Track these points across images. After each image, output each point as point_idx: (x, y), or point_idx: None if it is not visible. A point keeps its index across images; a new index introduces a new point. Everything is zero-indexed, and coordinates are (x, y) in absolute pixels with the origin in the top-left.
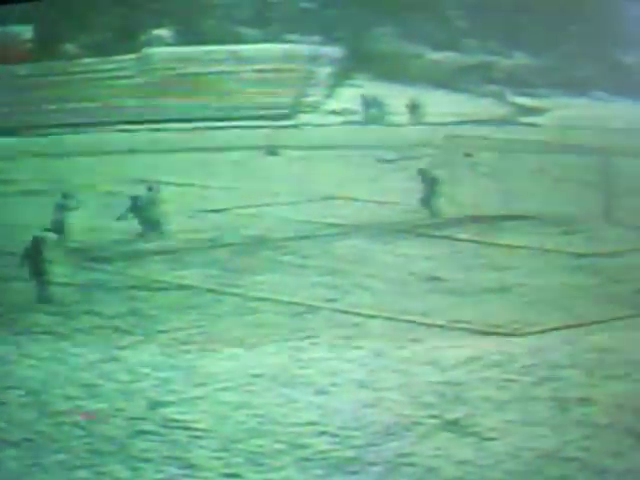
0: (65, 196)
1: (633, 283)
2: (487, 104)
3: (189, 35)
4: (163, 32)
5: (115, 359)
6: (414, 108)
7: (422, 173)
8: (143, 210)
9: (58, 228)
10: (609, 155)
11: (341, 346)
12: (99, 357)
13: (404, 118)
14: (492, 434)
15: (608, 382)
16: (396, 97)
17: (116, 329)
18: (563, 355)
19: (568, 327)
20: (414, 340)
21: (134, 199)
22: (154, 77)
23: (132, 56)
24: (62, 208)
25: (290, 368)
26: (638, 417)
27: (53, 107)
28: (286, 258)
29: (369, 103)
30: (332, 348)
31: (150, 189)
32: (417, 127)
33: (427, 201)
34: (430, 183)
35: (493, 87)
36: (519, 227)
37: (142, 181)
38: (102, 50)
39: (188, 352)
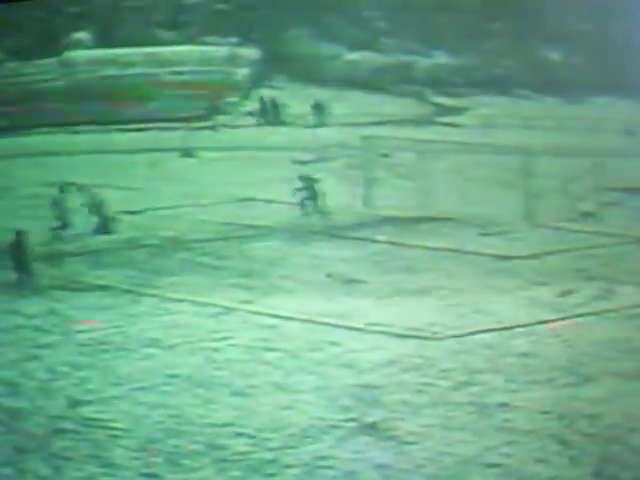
0: (62, 190)
1: (554, 286)
2: (406, 104)
3: (108, 38)
4: (83, 35)
5: (35, 358)
6: (318, 109)
7: (303, 179)
8: (62, 211)
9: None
10: (529, 155)
11: (257, 348)
12: (20, 356)
13: (310, 119)
14: (411, 438)
15: (531, 387)
16: (308, 98)
17: (36, 328)
18: (483, 359)
19: (488, 331)
20: (331, 343)
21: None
22: (75, 80)
23: (53, 60)
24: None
25: (206, 369)
26: (563, 423)
27: None
28: (202, 259)
29: (267, 105)
30: (248, 350)
31: (62, 191)
32: (334, 128)
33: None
34: (309, 186)
35: (413, 87)
36: (437, 229)
37: (61, 183)
38: (25, 54)
39: (106, 352)
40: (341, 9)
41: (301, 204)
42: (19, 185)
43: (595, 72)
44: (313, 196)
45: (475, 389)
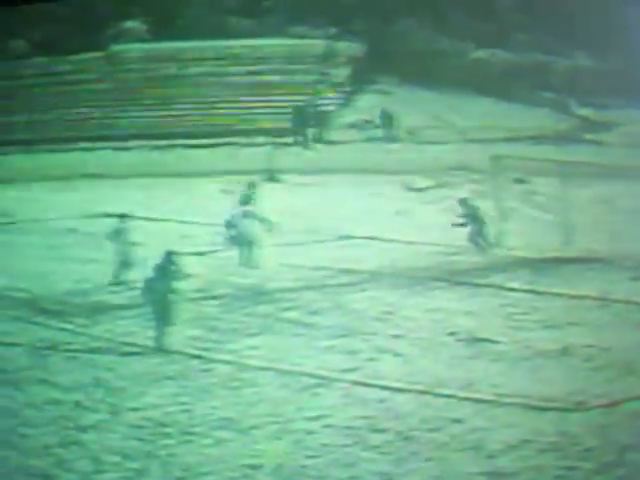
0: (123, 218)
1: None
2: (544, 116)
3: (167, 28)
4: (135, 24)
5: (75, 443)
6: (386, 119)
7: (464, 204)
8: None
9: (126, 262)
10: None
11: (361, 429)
12: (56, 440)
13: (427, 134)
14: None
15: None
16: (423, 106)
17: (76, 404)
18: (635, 433)
19: None
20: (454, 420)
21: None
22: (124, 81)
23: (97, 54)
24: (121, 234)
25: (296, 457)
26: None
27: None
28: (290, 314)
29: (384, 117)
30: (350, 432)
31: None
32: (456, 145)
33: (475, 238)
34: (476, 216)
35: (552, 95)
36: (582, 272)
37: (110, 215)
38: (58, 48)
39: (167, 436)
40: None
41: (471, 238)
42: (51, 217)
43: None
44: (480, 226)
45: (623, 471)
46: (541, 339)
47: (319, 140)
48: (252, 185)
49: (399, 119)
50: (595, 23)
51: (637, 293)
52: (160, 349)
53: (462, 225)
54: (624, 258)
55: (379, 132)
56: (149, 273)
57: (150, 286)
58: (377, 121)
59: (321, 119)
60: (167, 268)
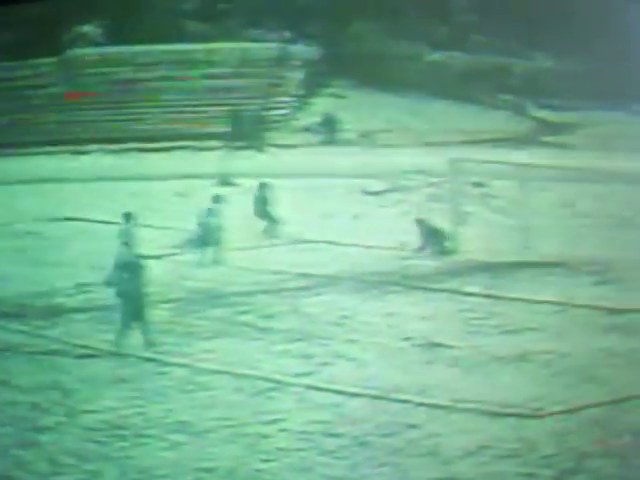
0: (127, 218)
1: None
2: (503, 119)
3: (122, 32)
4: (90, 29)
5: (33, 444)
6: (329, 124)
7: (421, 224)
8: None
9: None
10: None
11: (316, 433)
12: (14, 441)
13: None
14: None
15: None
16: (379, 109)
17: (34, 406)
18: (595, 440)
19: (601, 404)
20: (409, 426)
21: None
22: (80, 85)
23: (53, 59)
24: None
25: (250, 461)
26: None
27: None
28: (245, 318)
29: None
30: (304, 436)
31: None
32: (414, 149)
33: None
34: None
35: (510, 97)
36: (541, 277)
37: (70, 219)
38: (15, 53)
39: (122, 439)
40: (424, 7)
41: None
42: (10, 220)
43: None
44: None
45: (582, 478)
46: (499, 344)
47: (261, 145)
48: (263, 185)
49: (343, 123)
50: (555, 24)
51: (599, 298)
52: (123, 350)
53: (421, 249)
54: (586, 263)
55: (321, 136)
56: (121, 274)
57: (123, 287)
58: (320, 125)
59: (263, 123)
60: (139, 269)
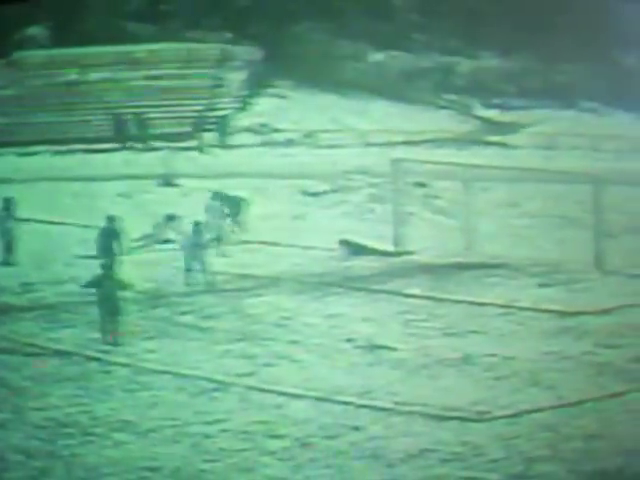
0: (110, 220)
1: (629, 349)
2: (446, 118)
3: (68, 34)
4: (36, 30)
5: None
6: (221, 124)
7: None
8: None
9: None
10: (599, 184)
11: (258, 434)
12: None
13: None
14: None
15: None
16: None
17: None
18: (541, 445)
19: (548, 409)
20: (352, 428)
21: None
22: (25, 87)
23: (0, 61)
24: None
25: (193, 461)
26: None
27: None
28: (186, 319)
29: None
30: (247, 436)
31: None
32: (355, 149)
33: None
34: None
35: (453, 97)
36: (485, 278)
37: (17, 220)
38: None
39: (68, 436)
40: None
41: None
42: None
43: None
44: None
45: None
46: (441, 347)
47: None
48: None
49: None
50: (500, 22)
51: (545, 300)
52: (110, 344)
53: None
54: (531, 264)
55: (217, 138)
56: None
57: (100, 284)
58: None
59: (146, 126)
60: (111, 268)
